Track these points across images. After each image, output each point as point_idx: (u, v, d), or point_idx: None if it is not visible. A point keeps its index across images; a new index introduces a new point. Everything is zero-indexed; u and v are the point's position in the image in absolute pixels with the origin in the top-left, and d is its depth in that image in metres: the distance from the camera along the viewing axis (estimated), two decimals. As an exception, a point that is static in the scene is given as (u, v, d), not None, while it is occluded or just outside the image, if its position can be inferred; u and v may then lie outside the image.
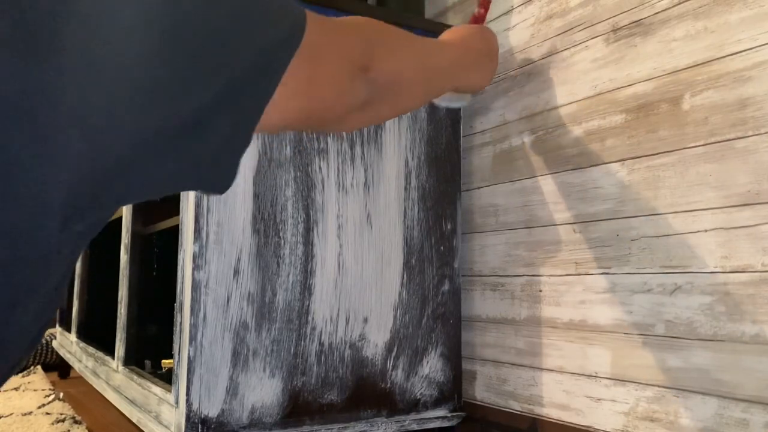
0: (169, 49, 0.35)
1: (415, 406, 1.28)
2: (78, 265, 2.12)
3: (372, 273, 1.25)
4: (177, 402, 1.09)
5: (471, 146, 1.41)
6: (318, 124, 0.52)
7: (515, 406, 1.26)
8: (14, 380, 2.18)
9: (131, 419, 1.35)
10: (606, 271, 1.09)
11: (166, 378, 1.26)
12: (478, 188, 1.39)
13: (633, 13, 1.08)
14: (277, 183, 1.16)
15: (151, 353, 1.50)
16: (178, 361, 1.09)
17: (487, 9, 0.85)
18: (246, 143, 0.42)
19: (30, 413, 1.73)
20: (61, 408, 1.78)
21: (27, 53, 0.30)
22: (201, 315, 1.07)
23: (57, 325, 2.42)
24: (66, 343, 2.24)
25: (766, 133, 0.89)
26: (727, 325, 0.92)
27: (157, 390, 1.21)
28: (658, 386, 1.00)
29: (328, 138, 1.21)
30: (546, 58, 1.24)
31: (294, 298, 1.16)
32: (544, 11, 1.26)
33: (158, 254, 1.77)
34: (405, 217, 1.30)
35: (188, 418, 1.05)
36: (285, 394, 1.14)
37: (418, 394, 1.29)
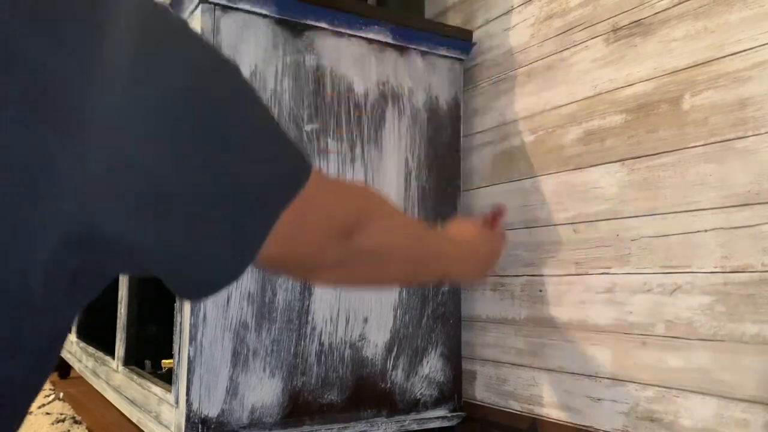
0: (177, 138, 0.35)
1: (415, 406, 1.28)
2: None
3: (372, 273, 1.25)
4: (177, 402, 1.09)
5: (471, 146, 1.41)
6: (290, 273, 0.53)
7: (515, 406, 1.26)
8: (14, 380, 2.17)
9: (131, 419, 1.35)
10: (606, 271, 1.09)
11: (166, 378, 1.26)
12: (478, 188, 1.39)
13: (633, 13, 1.08)
14: (277, 183, 1.16)
15: (151, 353, 1.50)
16: (178, 361, 1.09)
17: (499, 216, 0.82)
18: (241, 265, 0.40)
19: (30, 413, 1.73)
20: (61, 408, 1.79)
21: (37, 116, 0.30)
22: (201, 315, 1.07)
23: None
24: (66, 343, 2.24)
25: (766, 133, 0.89)
26: (727, 325, 0.92)
27: (157, 390, 1.21)
28: (658, 386, 1.00)
29: (329, 138, 1.21)
30: (546, 58, 1.24)
31: (294, 298, 1.16)
32: (544, 11, 1.26)
33: (158, 254, 1.76)
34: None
35: (188, 418, 1.05)
36: (285, 394, 1.14)
37: (418, 394, 1.29)
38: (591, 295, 1.12)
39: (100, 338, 1.84)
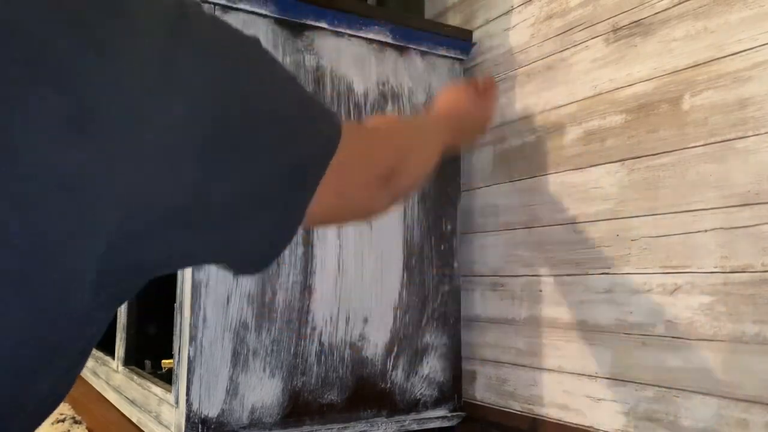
0: (211, 142, 0.36)
1: (415, 406, 1.28)
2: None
3: (372, 273, 1.25)
4: (177, 402, 1.09)
5: (471, 146, 1.41)
6: (347, 221, 0.58)
7: (515, 406, 1.26)
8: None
9: (131, 419, 1.35)
10: (606, 271, 1.09)
11: (166, 378, 1.26)
12: (478, 188, 1.39)
13: (633, 13, 1.08)
14: (277, 183, 1.16)
15: (151, 353, 1.50)
16: (178, 361, 1.09)
17: (491, 87, 0.88)
18: (286, 240, 0.44)
19: (30, 413, 1.72)
20: (61, 408, 1.79)
21: (82, 131, 0.31)
22: (201, 315, 1.07)
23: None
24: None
25: (766, 133, 0.89)
26: (727, 325, 0.92)
27: (157, 390, 1.21)
28: (658, 386, 1.00)
29: (328, 138, 1.21)
30: (546, 58, 1.24)
31: (294, 298, 1.16)
32: (544, 11, 1.26)
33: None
34: (405, 217, 1.30)
35: (188, 418, 1.05)
36: (285, 394, 1.14)
37: (418, 394, 1.29)
38: (591, 295, 1.12)
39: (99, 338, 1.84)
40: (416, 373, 1.29)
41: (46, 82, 0.30)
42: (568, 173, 1.18)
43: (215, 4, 1.10)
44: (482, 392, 1.34)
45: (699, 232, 0.96)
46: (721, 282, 0.93)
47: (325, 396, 1.18)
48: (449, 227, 1.35)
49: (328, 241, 1.20)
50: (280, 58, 1.16)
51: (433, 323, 1.32)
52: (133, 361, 1.49)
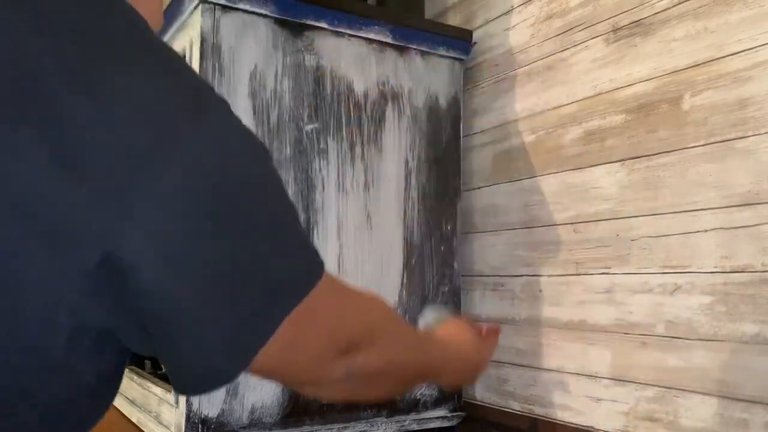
0: (205, 216, 0.36)
1: (415, 406, 1.28)
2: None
3: (372, 273, 1.25)
4: (177, 402, 1.09)
5: (471, 146, 1.41)
6: (290, 383, 0.52)
7: (515, 406, 1.26)
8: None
9: (131, 419, 1.35)
10: (606, 271, 1.09)
11: (166, 378, 1.25)
12: (478, 188, 1.39)
13: (633, 13, 1.08)
14: (277, 183, 1.16)
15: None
16: (178, 361, 1.09)
17: (494, 334, 0.82)
18: (227, 372, 0.39)
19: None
20: (61, 408, 1.78)
21: (69, 177, 0.32)
22: (201, 315, 1.07)
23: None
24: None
25: (766, 133, 0.89)
26: (727, 325, 0.92)
27: (157, 390, 1.21)
28: (658, 386, 1.00)
29: (329, 138, 1.21)
30: (546, 58, 1.24)
31: (294, 298, 1.16)
32: (544, 11, 1.26)
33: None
34: (405, 217, 1.30)
35: (188, 418, 1.05)
36: (285, 394, 1.14)
37: (418, 394, 1.29)
38: (591, 295, 1.12)
39: (100, 338, 1.84)
40: (416, 373, 1.29)
41: (33, 120, 0.31)
42: (568, 173, 1.18)
43: (215, 4, 1.10)
44: (482, 392, 1.34)
45: (699, 232, 0.96)
46: (721, 282, 0.93)
47: (325, 396, 1.18)
48: (449, 227, 1.35)
49: (328, 241, 1.20)
50: (280, 58, 1.16)
51: (433, 323, 1.31)
52: (133, 361, 1.49)
